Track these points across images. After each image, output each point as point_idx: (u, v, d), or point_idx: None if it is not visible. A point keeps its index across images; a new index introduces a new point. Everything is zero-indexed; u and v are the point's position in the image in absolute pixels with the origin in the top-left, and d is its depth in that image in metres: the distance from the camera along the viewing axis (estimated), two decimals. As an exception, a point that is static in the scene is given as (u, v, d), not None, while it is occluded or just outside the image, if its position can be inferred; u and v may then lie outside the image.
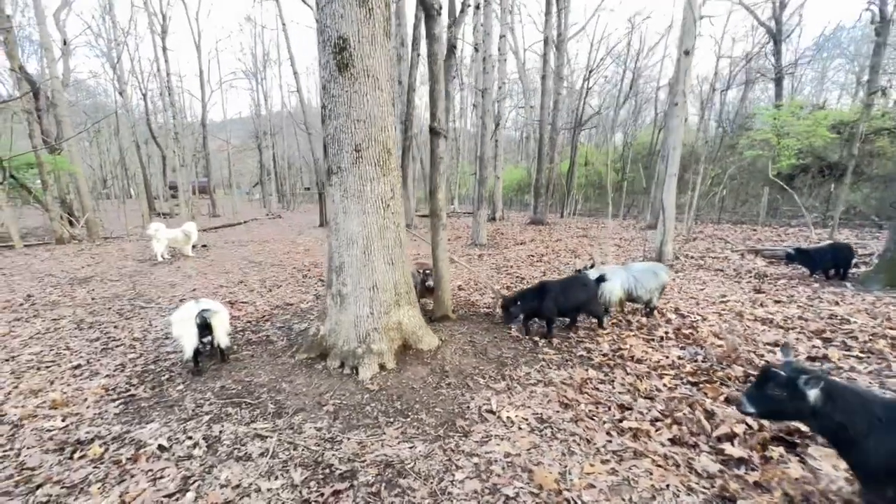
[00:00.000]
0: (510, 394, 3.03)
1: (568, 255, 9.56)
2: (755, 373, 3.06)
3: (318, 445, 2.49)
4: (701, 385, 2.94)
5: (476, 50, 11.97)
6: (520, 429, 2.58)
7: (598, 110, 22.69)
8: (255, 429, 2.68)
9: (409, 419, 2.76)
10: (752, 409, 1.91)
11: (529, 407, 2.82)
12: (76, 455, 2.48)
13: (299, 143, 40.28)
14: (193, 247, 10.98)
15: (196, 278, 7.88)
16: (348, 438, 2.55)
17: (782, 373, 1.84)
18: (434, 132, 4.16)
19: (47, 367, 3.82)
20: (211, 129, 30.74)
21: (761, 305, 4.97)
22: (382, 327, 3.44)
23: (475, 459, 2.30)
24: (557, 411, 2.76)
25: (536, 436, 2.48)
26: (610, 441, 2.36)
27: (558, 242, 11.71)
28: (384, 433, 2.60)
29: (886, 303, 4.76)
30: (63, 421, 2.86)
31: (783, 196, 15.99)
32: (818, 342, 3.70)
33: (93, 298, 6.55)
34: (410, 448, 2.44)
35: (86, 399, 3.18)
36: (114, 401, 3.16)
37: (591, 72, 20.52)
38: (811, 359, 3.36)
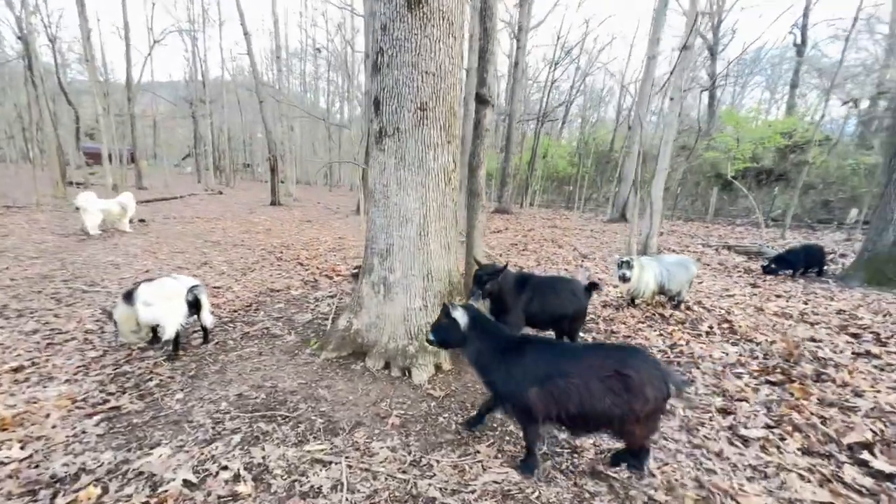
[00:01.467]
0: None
1: (550, 245, 9.49)
2: (825, 370, 3.01)
3: (404, 472, 1.98)
4: (784, 385, 2.82)
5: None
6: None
7: (560, 103, 23.05)
8: (309, 452, 2.09)
9: (497, 431, 2.33)
10: (433, 338, 2.24)
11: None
12: (61, 503, 1.75)
13: (243, 114, 36.91)
14: (130, 221, 9.43)
15: (143, 257, 6.68)
16: (437, 461, 2.06)
17: (449, 305, 2.18)
18: (481, 100, 3.67)
19: (-31, 370, 2.84)
20: (121, 90, 27.02)
21: (768, 300, 5.12)
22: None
23: (606, 483, 1.93)
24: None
25: (657, 449, 2.17)
26: (741, 454, 2.11)
27: (531, 232, 11.66)
28: (478, 451, 2.14)
29: (875, 299, 5.11)
30: (23, 449, 2.06)
31: (728, 197, 17.36)
32: (848, 337, 3.79)
33: (12, 279, 5.25)
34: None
35: (48, 415, 2.35)
36: (90, 416, 2.37)
37: (555, 65, 20.67)
38: (856, 355, 3.39)
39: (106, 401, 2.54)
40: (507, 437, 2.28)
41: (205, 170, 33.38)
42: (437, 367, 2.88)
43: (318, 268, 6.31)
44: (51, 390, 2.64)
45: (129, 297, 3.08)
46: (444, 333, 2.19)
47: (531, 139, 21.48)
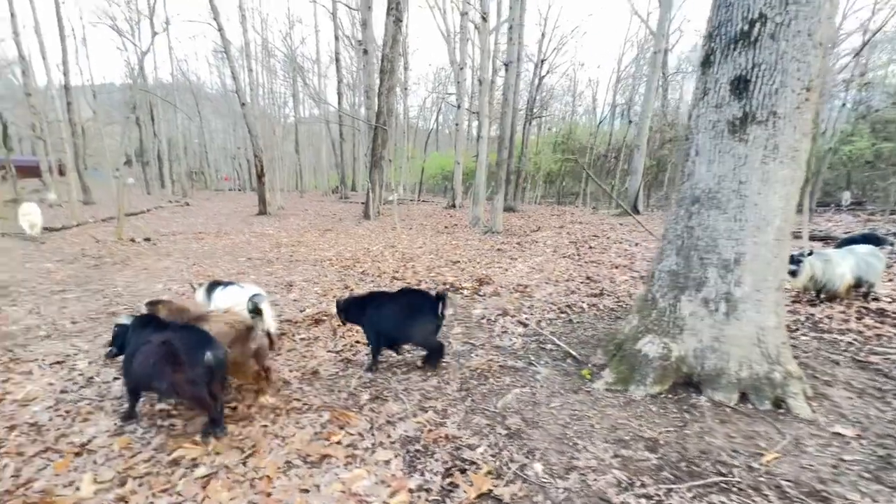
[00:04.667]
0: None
1: (604, 238, 9.27)
2: None
3: None
4: None
5: (484, 20, 10.91)
6: None
7: (541, 106, 23.27)
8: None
9: None
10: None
11: None
12: None
13: (191, 119, 33.77)
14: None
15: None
16: None
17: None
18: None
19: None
20: (50, 96, 23.71)
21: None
22: (787, 342, 2.49)
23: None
24: None
25: None
26: None
27: (562, 229, 11.45)
28: None
29: None
30: None
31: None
32: None
33: (73, 322, 4.07)
34: None
35: None
36: None
37: (543, 62, 20.81)
38: None
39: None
40: None
41: (156, 180, 30.16)
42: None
43: (443, 283, 5.55)
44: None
45: (210, 289, 3.36)
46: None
47: (519, 136, 21.46)
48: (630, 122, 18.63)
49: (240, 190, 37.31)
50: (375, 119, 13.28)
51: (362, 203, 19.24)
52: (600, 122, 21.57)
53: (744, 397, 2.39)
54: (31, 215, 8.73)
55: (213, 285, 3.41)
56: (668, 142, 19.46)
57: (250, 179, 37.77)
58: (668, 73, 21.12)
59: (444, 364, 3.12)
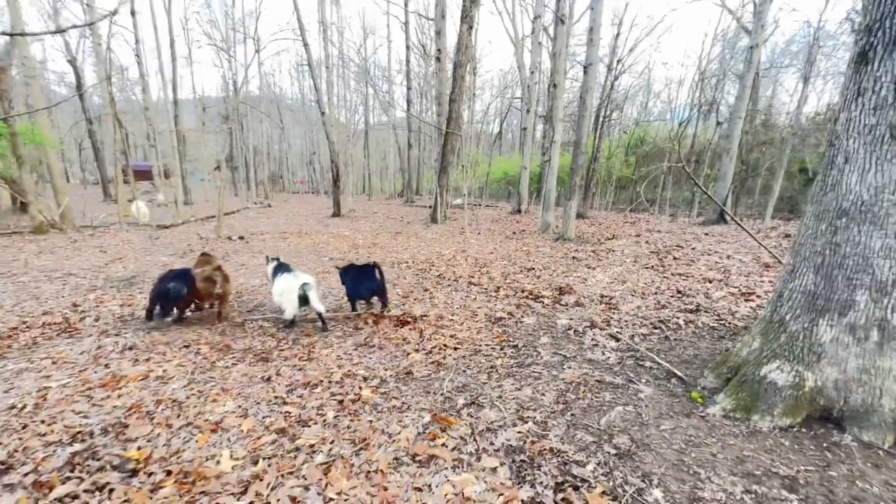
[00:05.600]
0: None
1: (689, 249, 8.60)
2: None
3: None
4: None
5: (562, 22, 10.69)
6: None
7: (617, 106, 22.24)
8: None
9: None
10: None
11: None
12: None
13: (272, 127, 36.79)
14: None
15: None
16: None
17: None
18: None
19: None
20: (161, 109, 26.96)
21: None
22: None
23: None
24: None
25: None
26: None
27: (639, 238, 10.79)
28: None
29: None
30: None
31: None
32: None
33: (191, 311, 4.56)
34: None
35: None
36: None
37: (619, 61, 19.91)
38: None
39: None
40: None
41: (242, 183, 33.15)
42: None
43: (521, 291, 5.54)
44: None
45: (276, 271, 4.23)
46: None
47: (590, 139, 20.69)
48: (718, 123, 17.18)
49: (313, 193, 39.80)
50: (446, 125, 13.51)
51: (428, 207, 19.70)
52: (681, 124, 20.08)
53: (901, 439, 2.07)
54: (142, 208, 12.22)
55: (278, 268, 4.24)
56: (763, 144, 17.69)
57: (323, 182, 40.26)
58: (762, 68, 19.20)
59: (536, 373, 3.07)
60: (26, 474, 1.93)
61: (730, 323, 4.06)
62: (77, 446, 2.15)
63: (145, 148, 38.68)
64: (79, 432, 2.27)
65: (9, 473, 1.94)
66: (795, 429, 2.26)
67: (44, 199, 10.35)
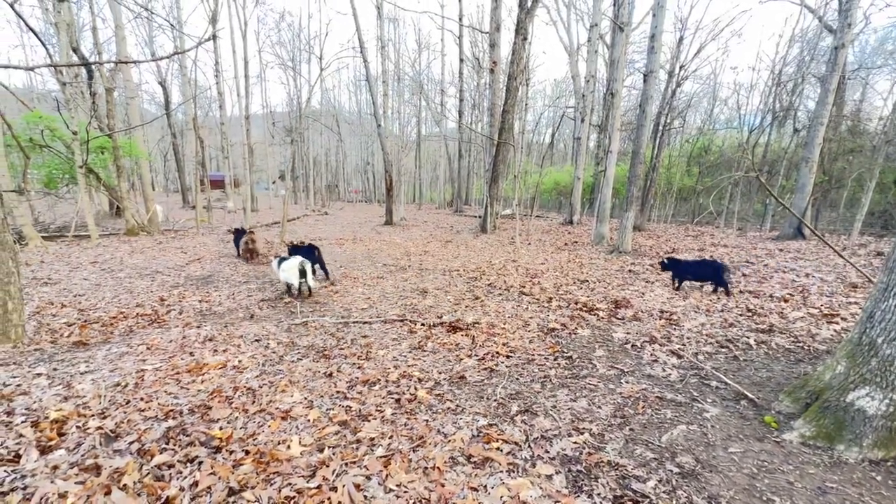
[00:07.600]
0: None
1: (761, 266, 7.96)
2: None
3: None
4: None
5: (621, 29, 10.46)
6: None
7: (686, 105, 21.18)
8: None
9: None
10: None
11: None
12: None
13: (329, 139, 38.81)
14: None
15: (387, 299, 6.26)
16: None
17: None
18: None
19: None
20: (234, 122, 29.33)
21: None
22: None
23: None
24: None
25: None
26: None
27: (703, 252, 10.12)
28: None
29: None
30: None
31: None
32: None
33: (260, 308, 4.94)
34: None
35: None
36: None
37: (681, 67, 19.01)
38: None
39: None
40: None
41: (302, 191, 35.19)
42: None
43: (575, 303, 5.47)
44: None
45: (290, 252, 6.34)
46: None
47: (649, 148, 19.83)
48: (796, 130, 15.82)
49: (367, 202, 41.38)
50: (498, 135, 13.58)
51: (477, 216, 19.77)
52: (752, 132, 18.68)
53: None
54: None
55: (281, 260, 5.51)
56: (849, 153, 16.02)
57: (375, 191, 41.70)
58: (849, 70, 17.46)
59: (591, 385, 3.02)
60: (131, 443, 2.20)
61: (809, 346, 3.74)
62: (171, 422, 2.41)
63: (218, 159, 42.30)
64: (171, 410, 2.55)
65: (117, 441, 2.23)
66: (890, 463, 2.05)
67: (134, 205, 11.68)
